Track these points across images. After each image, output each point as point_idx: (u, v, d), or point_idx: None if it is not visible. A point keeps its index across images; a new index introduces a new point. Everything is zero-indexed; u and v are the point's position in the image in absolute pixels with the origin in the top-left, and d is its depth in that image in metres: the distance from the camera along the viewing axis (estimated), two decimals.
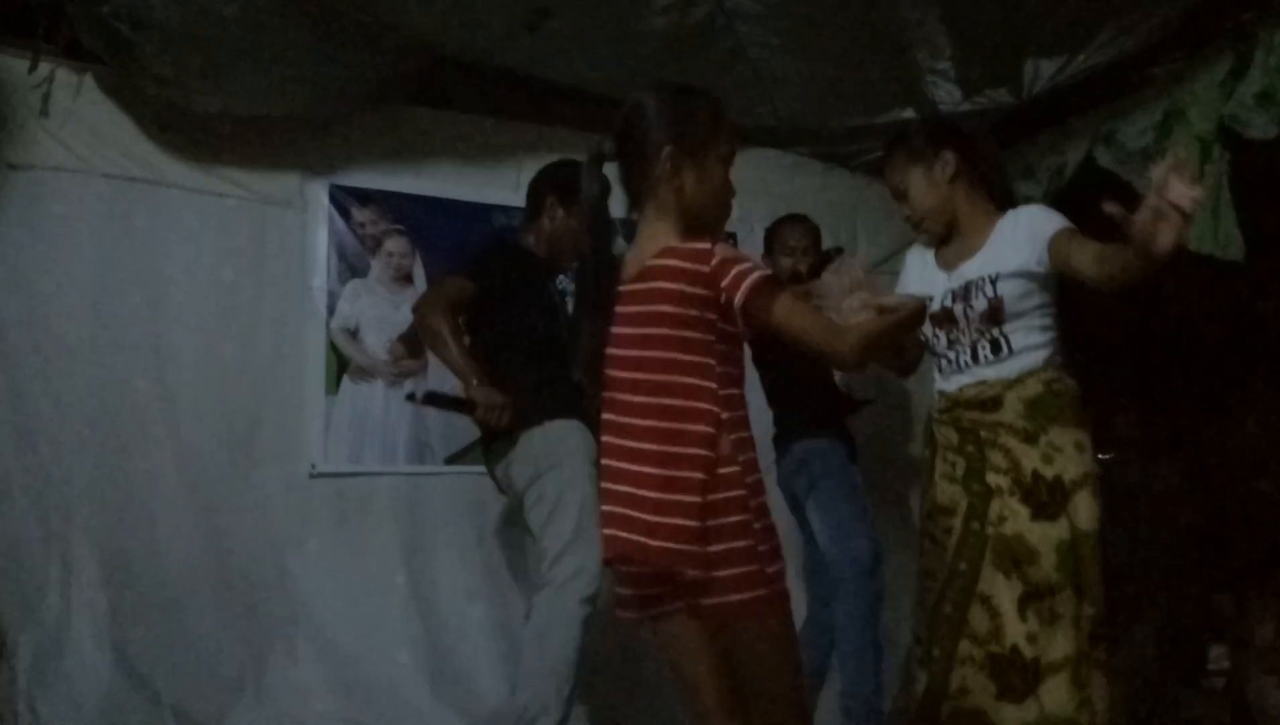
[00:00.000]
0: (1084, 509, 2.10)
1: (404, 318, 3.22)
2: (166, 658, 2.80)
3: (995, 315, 2.20)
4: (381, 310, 3.23)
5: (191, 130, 2.98)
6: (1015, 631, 2.06)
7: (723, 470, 1.59)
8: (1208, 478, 3.92)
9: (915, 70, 3.17)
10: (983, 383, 2.21)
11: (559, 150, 3.36)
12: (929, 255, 2.39)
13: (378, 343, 3.21)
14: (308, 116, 3.10)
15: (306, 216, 3.17)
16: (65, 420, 2.81)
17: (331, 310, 3.17)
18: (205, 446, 2.96)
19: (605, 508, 1.65)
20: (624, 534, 1.60)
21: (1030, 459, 2.12)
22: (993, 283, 2.21)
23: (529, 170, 3.34)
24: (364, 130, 3.22)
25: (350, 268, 3.22)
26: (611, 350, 1.70)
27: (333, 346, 3.16)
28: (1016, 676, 2.05)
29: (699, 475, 1.57)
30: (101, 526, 2.80)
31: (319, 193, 3.19)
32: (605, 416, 1.69)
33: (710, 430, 1.59)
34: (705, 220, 1.75)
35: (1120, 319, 4.06)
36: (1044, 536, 2.08)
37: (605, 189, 1.76)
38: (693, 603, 1.62)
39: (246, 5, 2.53)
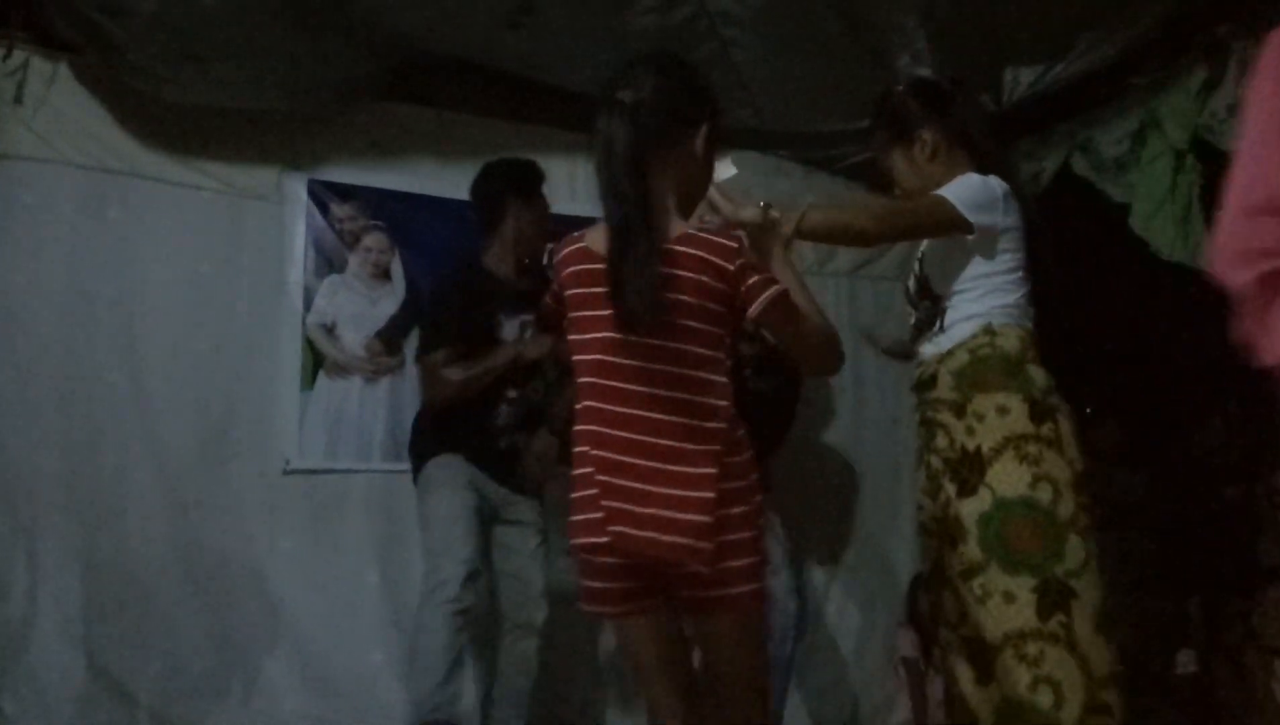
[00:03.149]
0: (1006, 475, 1.98)
1: (381, 314, 3.20)
2: (135, 654, 2.78)
3: (924, 288, 2.19)
4: (359, 306, 3.21)
5: (168, 121, 2.95)
6: (975, 613, 2.02)
7: (732, 460, 1.58)
8: (1177, 485, 3.96)
9: (896, 76, 3.19)
10: (923, 363, 2.18)
11: (540, 148, 3.35)
12: None
13: (355, 339, 3.19)
14: (287, 110, 3.07)
15: (284, 211, 3.14)
16: (35, 413, 2.77)
17: (308, 306, 3.15)
18: (178, 442, 2.94)
19: (607, 503, 1.55)
20: (631, 531, 1.53)
21: (959, 433, 2.05)
22: (920, 261, 2.23)
23: None
24: (344, 125, 3.20)
25: (328, 263, 3.19)
26: (612, 336, 1.60)
27: (309, 342, 3.14)
28: (980, 659, 2.00)
29: (712, 470, 1.54)
30: (70, 522, 2.77)
31: (297, 187, 3.16)
32: (602, 406, 1.60)
33: (723, 426, 1.58)
34: (694, 205, 1.72)
35: (1093, 328, 4.10)
36: (967, 513, 2.01)
37: (635, 132, 1.60)
38: (685, 595, 1.59)
39: None
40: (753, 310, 1.58)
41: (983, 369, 2.05)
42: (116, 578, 2.80)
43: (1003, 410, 2.01)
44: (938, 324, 2.14)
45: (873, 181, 3.72)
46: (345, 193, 3.21)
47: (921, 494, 2.22)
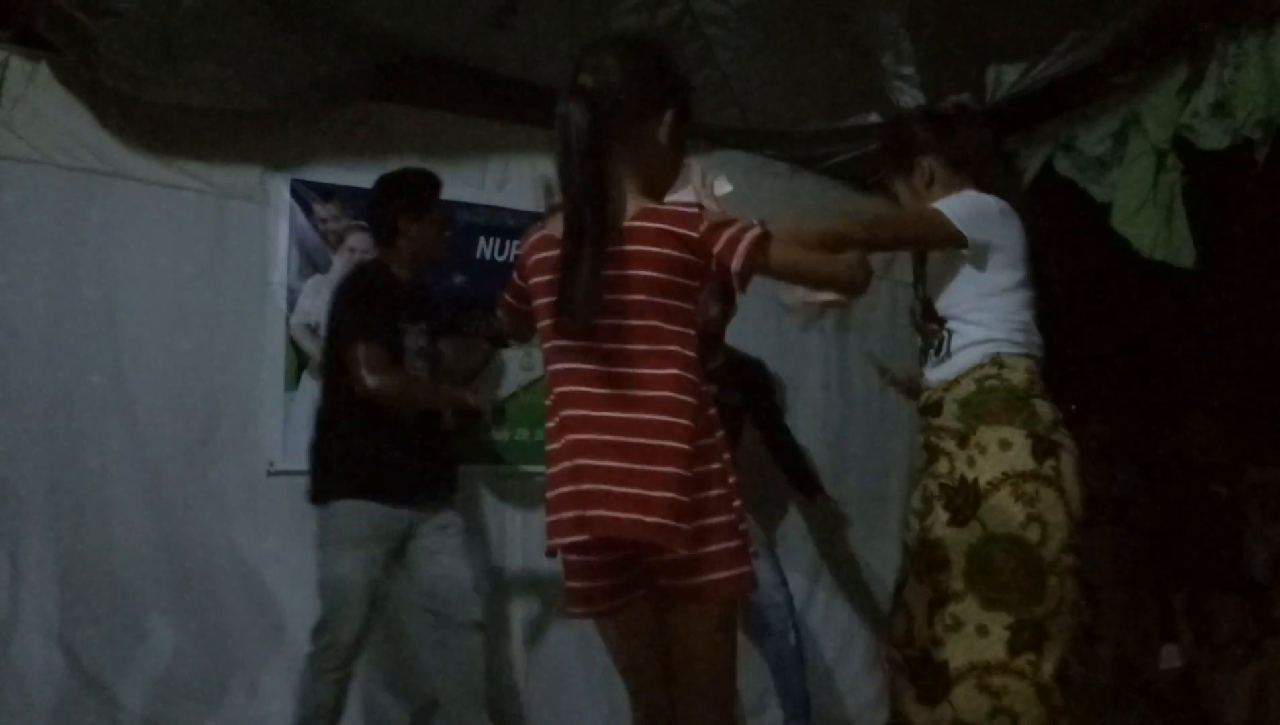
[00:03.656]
0: (1000, 511, 1.98)
1: None
2: (119, 657, 2.77)
3: (929, 311, 2.19)
4: None
5: (150, 121, 2.93)
6: (924, 636, 2.04)
7: (705, 442, 1.55)
8: (1163, 481, 3.99)
9: (880, 75, 3.20)
10: (929, 388, 2.18)
11: (524, 148, 3.36)
12: None
13: None
14: (270, 110, 3.06)
15: (267, 211, 3.12)
16: (18, 416, 2.75)
17: (292, 306, 3.13)
18: (162, 443, 2.92)
19: (578, 487, 1.52)
20: (612, 513, 1.49)
21: (960, 463, 2.05)
22: (923, 283, 2.23)
23: (494, 167, 3.35)
24: (327, 124, 3.19)
25: (311, 263, 3.18)
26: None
27: (292, 343, 3.12)
28: (930, 679, 2.02)
29: (685, 447, 1.50)
30: (54, 523, 2.75)
31: (280, 187, 3.14)
32: (568, 388, 1.57)
33: (694, 401, 1.54)
34: (661, 192, 1.68)
35: (1085, 328, 4.13)
36: (954, 542, 2.02)
37: (594, 120, 1.54)
38: (664, 584, 1.56)
39: None
40: (735, 264, 1.53)
41: (988, 400, 2.04)
42: (100, 580, 2.78)
43: (1005, 444, 2.01)
44: (943, 349, 2.14)
45: (858, 180, 3.75)
46: (328, 192, 3.20)
47: (911, 514, 2.22)
